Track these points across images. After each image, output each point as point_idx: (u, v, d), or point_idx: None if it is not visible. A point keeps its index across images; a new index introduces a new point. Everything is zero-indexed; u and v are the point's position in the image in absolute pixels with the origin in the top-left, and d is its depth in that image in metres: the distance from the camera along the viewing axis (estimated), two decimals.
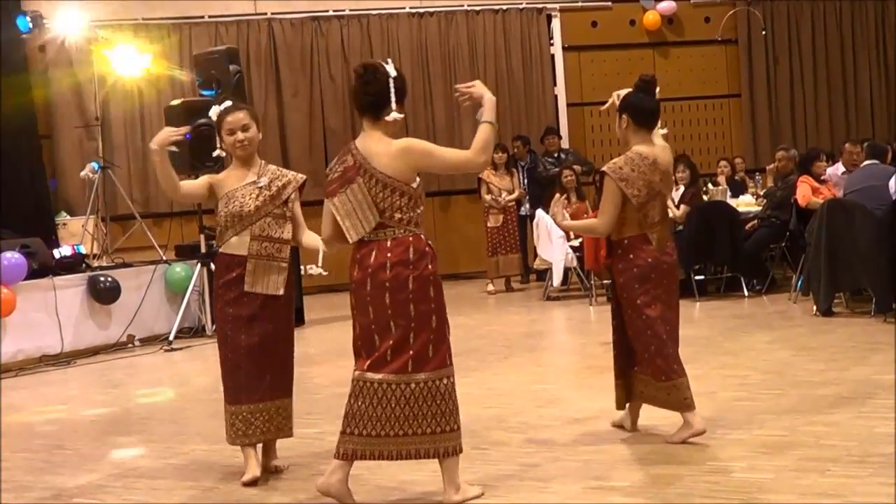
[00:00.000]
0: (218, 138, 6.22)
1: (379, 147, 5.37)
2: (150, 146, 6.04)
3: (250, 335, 6.06)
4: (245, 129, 6.09)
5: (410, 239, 5.36)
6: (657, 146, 6.44)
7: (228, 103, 6.21)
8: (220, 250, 6.10)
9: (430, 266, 5.38)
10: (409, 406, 5.31)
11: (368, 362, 5.33)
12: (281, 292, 6.12)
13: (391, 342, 5.29)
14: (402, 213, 5.36)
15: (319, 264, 5.94)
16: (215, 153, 6.34)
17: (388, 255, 5.31)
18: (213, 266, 6.44)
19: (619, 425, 6.72)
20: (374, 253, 5.33)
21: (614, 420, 6.76)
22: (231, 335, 6.10)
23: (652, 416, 6.84)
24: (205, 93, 12.60)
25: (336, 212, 5.42)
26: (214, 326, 6.59)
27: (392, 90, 5.38)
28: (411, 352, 5.30)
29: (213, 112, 6.20)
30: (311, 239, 6.14)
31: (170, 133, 6.03)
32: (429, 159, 5.45)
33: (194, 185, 6.23)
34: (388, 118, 5.39)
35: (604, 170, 6.37)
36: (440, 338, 5.38)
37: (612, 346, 6.64)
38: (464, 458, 6.22)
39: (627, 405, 6.63)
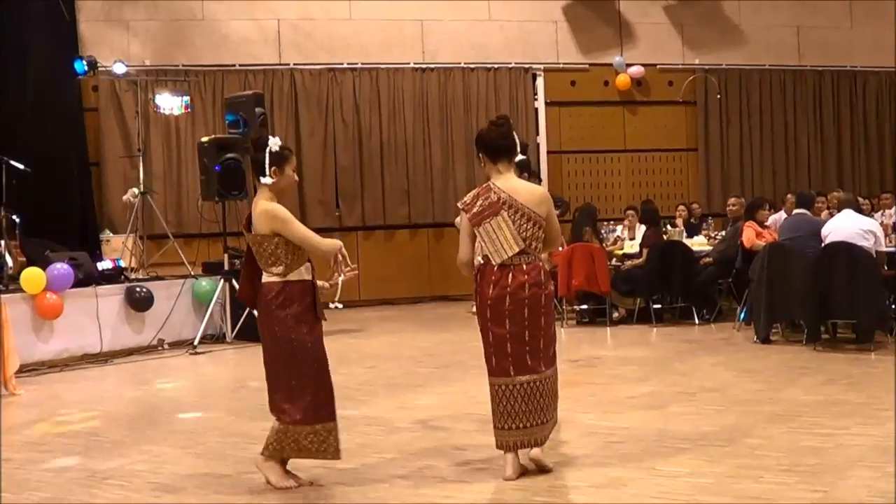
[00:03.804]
0: (272, 167, 5.61)
1: (522, 187, 5.79)
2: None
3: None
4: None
5: (540, 264, 5.75)
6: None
7: (279, 140, 5.71)
8: (292, 278, 5.57)
9: (550, 286, 5.80)
10: (545, 398, 5.70)
11: (513, 368, 5.64)
12: (326, 318, 5.77)
13: (528, 348, 5.65)
14: (537, 242, 5.72)
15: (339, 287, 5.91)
16: (265, 179, 5.63)
17: (526, 277, 5.65)
18: (274, 292, 5.61)
19: None
20: (510, 275, 5.65)
21: None
22: (323, 353, 5.65)
23: (606, 423, 6.85)
24: (233, 131, 12.63)
25: (482, 238, 5.71)
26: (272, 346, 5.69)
27: (517, 138, 5.88)
28: (541, 354, 5.70)
29: (276, 142, 5.64)
30: None
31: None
32: (551, 213, 5.78)
33: None
34: (515, 160, 5.87)
35: None
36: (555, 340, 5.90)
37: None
38: (444, 454, 6.24)
39: None
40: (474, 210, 5.74)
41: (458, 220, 5.91)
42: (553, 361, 5.82)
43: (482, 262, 5.79)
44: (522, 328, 5.63)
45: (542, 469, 5.77)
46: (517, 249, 5.65)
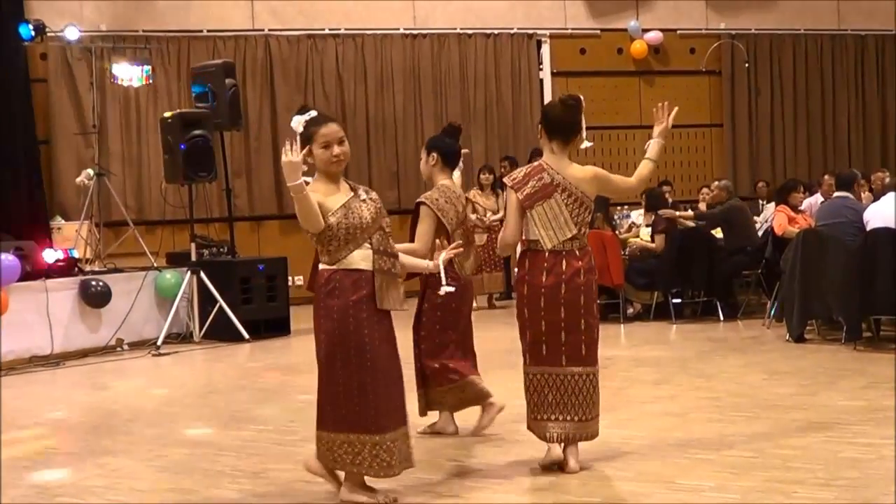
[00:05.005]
0: (303, 151, 5.45)
1: (573, 169, 6.06)
2: (296, 185, 5.21)
3: (387, 356, 5.53)
4: (341, 142, 5.52)
5: (589, 249, 6.11)
6: (456, 184, 7.14)
7: (313, 113, 5.60)
8: (339, 267, 5.44)
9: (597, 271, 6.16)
10: (596, 391, 6.06)
11: (566, 357, 5.96)
12: (406, 307, 5.69)
13: (583, 337, 5.99)
14: (586, 227, 6.08)
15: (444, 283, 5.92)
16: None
17: (580, 263, 6.00)
18: (329, 282, 5.45)
19: (436, 431, 7.15)
20: (565, 262, 5.98)
21: (423, 429, 7.15)
22: (372, 358, 5.45)
23: (620, 432, 6.86)
24: (200, 105, 12.62)
25: (534, 221, 5.99)
26: (318, 347, 5.56)
27: (584, 121, 6.08)
28: (595, 347, 6.07)
29: (298, 122, 5.54)
30: (407, 259, 5.95)
31: (296, 160, 5.25)
32: (608, 184, 6.23)
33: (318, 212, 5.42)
34: (580, 146, 6.17)
35: (422, 200, 6.88)
36: None
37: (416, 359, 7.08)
38: (438, 468, 6.24)
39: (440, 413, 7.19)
40: (527, 191, 6.01)
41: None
42: (598, 358, 6.13)
43: (526, 248, 6.10)
44: (579, 316, 5.97)
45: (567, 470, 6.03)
46: (570, 235, 5.97)
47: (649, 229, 13.26)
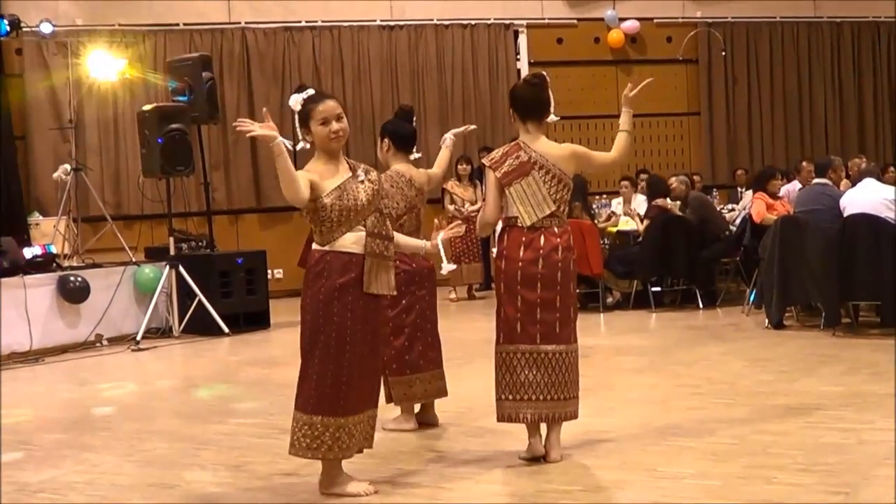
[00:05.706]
0: (301, 130, 5.55)
1: (550, 148, 6.10)
2: (275, 143, 5.17)
3: (369, 341, 5.50)
4: (339, 118, 5.48)
5: (568, 228, 6.11)
6: (412, 168, 7.04)
7: (311, 91, 5.57)
8: (330, 248, 5.42)
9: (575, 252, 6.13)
10: (570, 372, 6.01)
11: (540, 335, 5.92)
12: (395, 292, 5.71)
13: (558, 315, 5.95)
14: (565, 204, 6.09)
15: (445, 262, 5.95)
16: (299, 146, 5.56)
17: (558, 240, 5.98)
18: (317, 265, 5.46)
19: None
20: (543, 237, 5.97)
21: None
22: (351, 342, 5.42)
23: (601, 420, 6.86)
24: (178, 99, 12.58)
25: (513, 199, 5.99)
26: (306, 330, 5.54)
27: (552, 97, 6.14)
28: (571, 325, 6.04)
29: (296, 101, 5.53)
30: (403, 239, 6.03)
31: (267, 133, 5.20)
32: (588, 160, 6.28)
33: (306, 186, 5.32)
34: (548, 120, 6.16)
35: None
36: None
37: None
38: (419, 459, 6.23)
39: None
40: (504, 169, 6.04)
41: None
42: (576, 337, 6.10)
43: (504, 225, 6.11)
44: (555, 293, 5.95)
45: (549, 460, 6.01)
46: (548, 212, 5.97)
47: (628, 217, 13.32)
